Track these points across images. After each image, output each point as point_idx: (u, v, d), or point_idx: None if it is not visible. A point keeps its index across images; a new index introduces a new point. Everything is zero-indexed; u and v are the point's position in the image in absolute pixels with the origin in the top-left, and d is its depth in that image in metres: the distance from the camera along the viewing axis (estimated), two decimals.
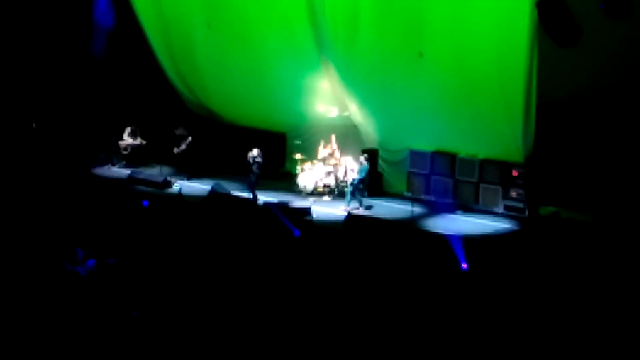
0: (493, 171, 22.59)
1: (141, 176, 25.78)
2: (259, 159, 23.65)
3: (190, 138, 26.05)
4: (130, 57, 28.23)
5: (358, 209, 22.78)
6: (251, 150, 23.80)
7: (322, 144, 24.57)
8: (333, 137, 24.47)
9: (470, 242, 19.43)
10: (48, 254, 18.13)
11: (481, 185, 22.80)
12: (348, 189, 23.13)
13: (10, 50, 28.34)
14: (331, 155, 24.29)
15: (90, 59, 28.23)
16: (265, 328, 15.47)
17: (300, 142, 25.41)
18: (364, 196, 23.25)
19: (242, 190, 23.97)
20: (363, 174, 23.00)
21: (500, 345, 14.97)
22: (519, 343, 15.03)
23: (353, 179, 23.08)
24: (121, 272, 17.62)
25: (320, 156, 24.36)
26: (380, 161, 24.74)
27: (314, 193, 24.07)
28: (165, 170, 26.51)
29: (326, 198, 23.99)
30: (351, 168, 23.74)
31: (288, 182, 25.05)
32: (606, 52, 20.28)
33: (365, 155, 23.50)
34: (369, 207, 22.98)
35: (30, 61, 28.42)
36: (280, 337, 15.17)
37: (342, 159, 24.21)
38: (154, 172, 26.46)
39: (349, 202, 22.90)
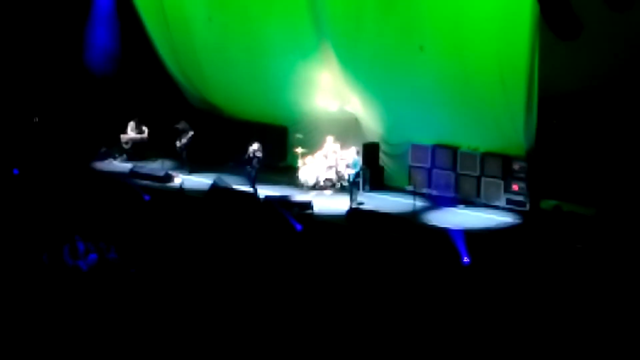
0: (494, 165, 22.55)
1: (142, 170, 25.75)
2: (259, 153, 23.63)
3: (192, 132, 26.01)
4: (131, 50, 28.18)
5: (361, 203, 22.74)
6: (252, 144, 23.75)
7: (324, 141, 24.47)
8: (329, 139, 24.39)
9: (472, 235, 19.42)
10: (49, 248, 18.13)
11: (483, 178, 22.78)
12: (348, 185, 23.04)
13: (12, 45, 28.30)
14: (332, 151, 24.24)
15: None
16: (269, 322, 15.47)
17: (301, 136, 25.34)
18: (365, 190, 23.24)
19: (243, 184, 23.93)
20: (357, 168, 22.98)
21: (502, 339, 14.96)
22: (520, 337, 15.03)
23: (349, 175, 23.05)
24: (123, 266, 17.62)
25: (321, 152, 24.30)
26: (381, 155, 24.70)
27: (316, 187, 24.04)
28: (167, 164, 26.46)
29: (328, 192, 23.96)
30: (346, 163, 23.64)
31: (289, 176, 25.02)
32: (608, 44, 20.25)
33: (357, 149, 23.48)
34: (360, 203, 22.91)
35: (32, 55, 28.39)
36: (283, 331, 15.17)
37: (343, 152, 24.12)
38: (155, 166, 26.44)
39: (352, 197, 22.80)
